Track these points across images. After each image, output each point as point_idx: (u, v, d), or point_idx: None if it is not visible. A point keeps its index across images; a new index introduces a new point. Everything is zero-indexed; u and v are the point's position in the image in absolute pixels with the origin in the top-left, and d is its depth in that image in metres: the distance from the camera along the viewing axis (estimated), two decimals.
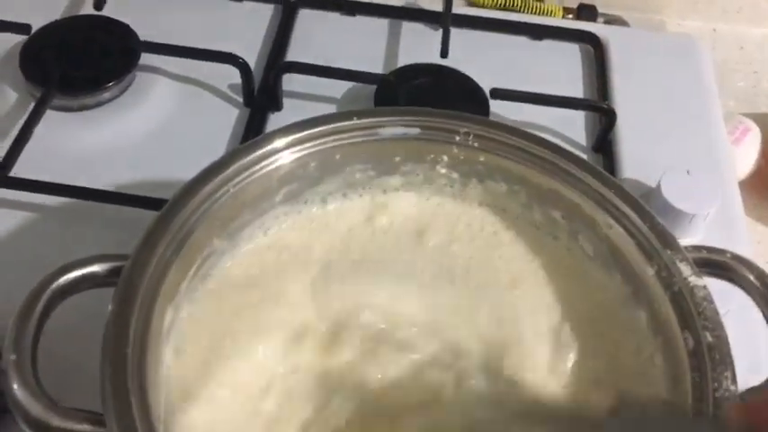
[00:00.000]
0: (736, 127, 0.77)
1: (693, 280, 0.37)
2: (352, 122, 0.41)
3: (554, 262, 0.43)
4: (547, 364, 0.39)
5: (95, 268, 0.35)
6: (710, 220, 0.56)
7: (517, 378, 0.38)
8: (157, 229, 0.36)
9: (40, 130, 0.57)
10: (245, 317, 0.39)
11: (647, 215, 0.39)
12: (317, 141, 0.41)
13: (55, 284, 0.34)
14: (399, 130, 0.42)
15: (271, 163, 0.40)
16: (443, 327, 0.39)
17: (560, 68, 0.70)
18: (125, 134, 0.61)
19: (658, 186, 0.56)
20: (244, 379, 0.37)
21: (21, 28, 0.62)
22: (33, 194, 0.54)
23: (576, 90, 0.67)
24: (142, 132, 0.61)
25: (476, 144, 0.42)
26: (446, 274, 0.42)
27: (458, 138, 0.42)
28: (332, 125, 0.41)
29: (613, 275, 0.41)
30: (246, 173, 0.39)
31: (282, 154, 0.40)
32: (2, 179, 0.53)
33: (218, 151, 0.61)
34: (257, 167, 0.39)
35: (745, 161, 0.76)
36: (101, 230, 0.53)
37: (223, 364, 0.37)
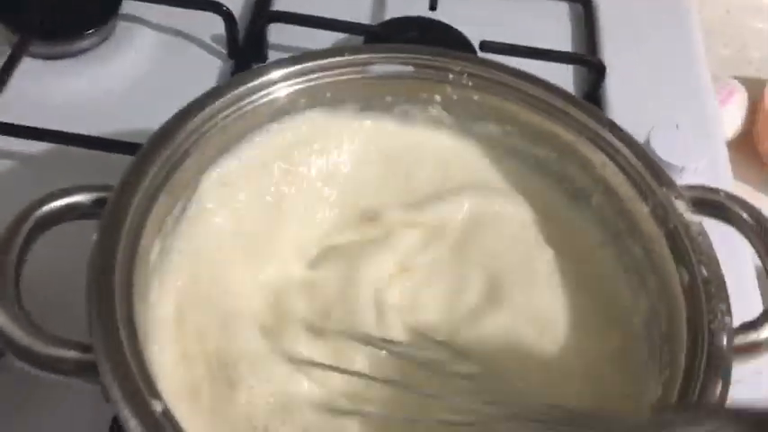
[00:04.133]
0: (723, 87, 0.77)
1: (688, 216, 0.37)
2: (343, 58, 0.40)
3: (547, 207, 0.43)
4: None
5: (79, 198, 0.34)
6: (698, 176, 0.56)
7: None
8: (145, 159, 0.35)
9: (17, 77, 0.56)
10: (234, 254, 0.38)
11: (642, 153, 0.39)
12: (308, 77, 0.40)
13: (37, 213, 0.33)
14: (392, 68, 0.41)
15: (261, 97, 0.39)
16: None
17: (549, 26, 0.69)
18: (105, 84, 0.59)
19: (647, 140, 0.55)
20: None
21: None
22: (11, 140, 0.52)
23: (565, 47, 0.67)
24: (123, 82, 0.60)
25: (470, 83, 0.42)
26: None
27: (451, 76, 0.41)
28: (323, 60, 0.40)
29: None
30: (235, 106, 0.38)
31: (272, 88, 0.39)
32: None
33: None
34: (246, 101, 0.38)
35: (732, 122, 0.76)
36: (80, 177, 0.51)
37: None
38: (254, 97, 0.38)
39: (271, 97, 0.39)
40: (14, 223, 0.32)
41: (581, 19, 0.69)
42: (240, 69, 0.60)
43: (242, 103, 0.38)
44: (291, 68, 0.39)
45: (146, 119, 0.56)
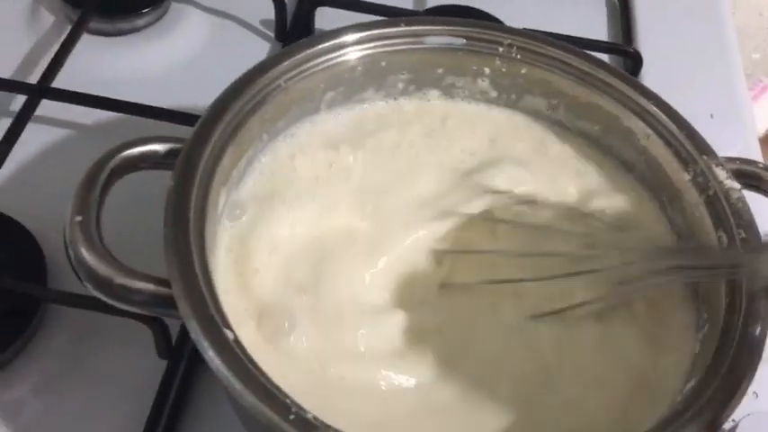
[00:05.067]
0: (755, 84, 0.78)
1: (728, 183, 0.38)
2: (399, 29, 0.42)
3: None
4: None
5: (156, 147, 0.36)
6: None
7: None
8: (214, 115, 0.37)
9: (74, 52, 0.58)
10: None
11: (684, 124, 0.41)
12: (363, 46, 0.42)
13: (119, 156, 0.35)
14: (445, 39, 0.43)
15: (320, 63, 0.41)
16: None
17: (586, 16, 0.71)
18: (158, 62, 0.62)
19: None
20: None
21: None
22: (72, 110, 0.54)
23: (601, 36, 0.68)
24: (174, 61, 0.62)
25: (518, 56, 0.43)
26: None
27: (501, 49, 0.43)
28: (378, 30, 0.42)
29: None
30: (297, 70, 0.40)
31: (331, 55, 0.41)
32: (43, 90, 0.54)
33: None
34: (309, 65, 0.41)
35: (764, 118, 0.78)
36: None
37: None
38: (315, 62, 0.41)
39: (329, 64, 0.41)
40: (96, 165, 0.35)
41: (616, 8, 0.71)
42: None
43: (305, 67, 0.40)
44: (357, 35, 0.41)
45: (193, 96, 0.59)
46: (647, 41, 0.68)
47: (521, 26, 0.62)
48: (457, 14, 0.65)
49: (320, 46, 0.41)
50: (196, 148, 0.36)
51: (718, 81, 0.66)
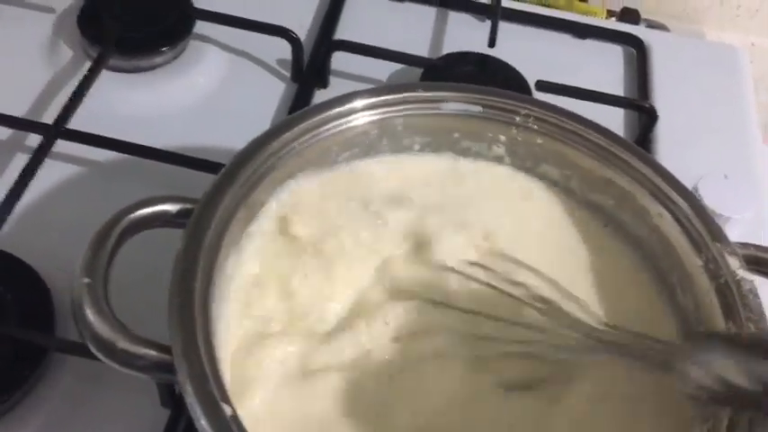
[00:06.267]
0: None
1: (741, 273, 0.38)
2: (416, 94, 0.42)
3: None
4: None
5: (167, 207, 0.36)
6: (745, 225, 0.57)
7: None
8: (227, 178, 0.37)
9: (93, 88, 0.58)
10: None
11: (699, 207, 0.40)
12: (381, 110, 0.42)
13: (130, 217, 0.35)
14: (461, 106, 0.43)
15: (335, 126, 0.41)
16: None
17: (602, 68, 0.71)
18: (175, 99, 0.62)
19: (695, 189, 0.57)
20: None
21: None
22: (86, 149, 0.55)
23: (617, 90, 0.68)
24: (191, 99, 0.62)
25: (535, 126, 0.43)
26: None
27: (518, 119, 0.43)
28: (397, 95, 0.42)
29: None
30: (312, 133, 0.40)
31: (348, 118, 0.41)
32: (59, 131, 0.54)
33: (264, 123, 0.62)
34: (322, 129, 0.41)
35: None
36: (144, 186, 0.53)
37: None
38: (329, 126, 0.41)
39: (344, 127, 0.41)
40: (107, 225, 0.35)
41: (633, 62, 0.71)
42: (303, 93, 0.62)
43: (319, 131, 0.40)
44: (368, 100, 0.41)
45: (209, 136, 0.60)
46: (662, 95, 0.67)
47: (539, 77, 0.63)
48: (473, 62, 0.65)
49: (337, 110, 0.41)
50: (207, 210, 0.36)
51: (734, 139, 0.66)
